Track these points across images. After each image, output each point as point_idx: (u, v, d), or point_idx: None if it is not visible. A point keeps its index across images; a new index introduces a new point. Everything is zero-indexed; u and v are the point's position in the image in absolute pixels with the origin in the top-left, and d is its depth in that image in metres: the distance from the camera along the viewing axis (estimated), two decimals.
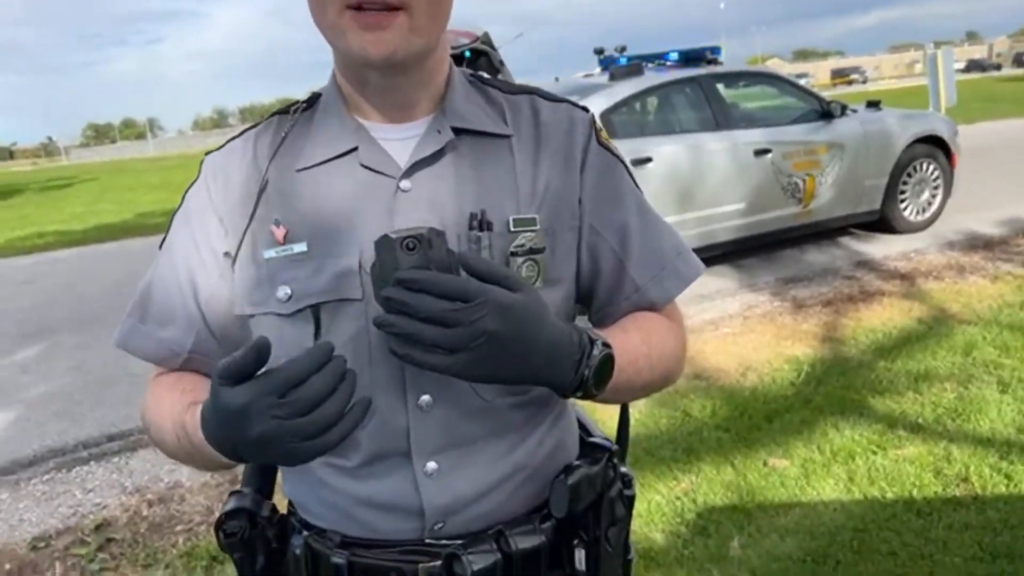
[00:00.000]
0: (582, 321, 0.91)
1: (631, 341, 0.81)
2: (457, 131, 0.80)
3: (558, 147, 0.83)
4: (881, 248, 5.61)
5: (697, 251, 0.92)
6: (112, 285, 6.99)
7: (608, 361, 0.74)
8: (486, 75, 0.91)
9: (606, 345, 0.74)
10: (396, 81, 0.79)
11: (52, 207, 16.94)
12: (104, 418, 3.75)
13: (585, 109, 0.89)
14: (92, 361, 4.69)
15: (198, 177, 0.85)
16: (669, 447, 2.87)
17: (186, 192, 0.85)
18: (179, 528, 2.67)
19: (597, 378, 0.73)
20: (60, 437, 3.58)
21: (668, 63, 5.57)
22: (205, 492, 2.89)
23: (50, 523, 2.80)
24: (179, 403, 0.78)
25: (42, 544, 2.66)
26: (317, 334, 0.77)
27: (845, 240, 5.95)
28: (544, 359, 0.69)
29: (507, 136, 0.83)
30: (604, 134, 0.88)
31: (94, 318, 5.75)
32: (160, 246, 0.85)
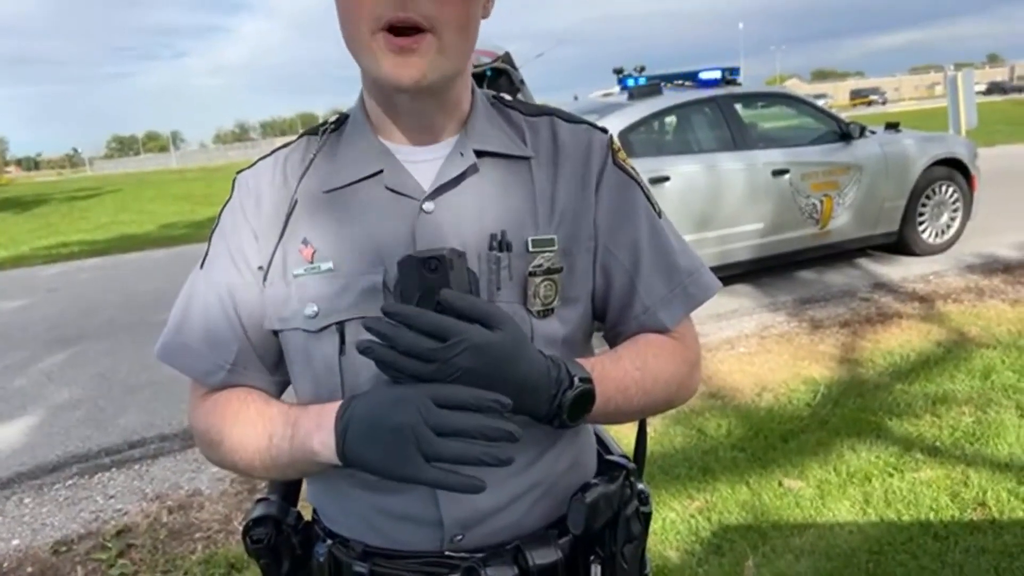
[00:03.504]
0: (600, 340, 0.94)
1: (622, 368, 0.83)
2: (479, 153, 0.83)
3: (576, 168, 0.86)
4: (900, 270, 5.59)
5: (714, 270, 0.94)
6: (135, 294, 7.11)
7: (586, 396, 0.76)
8: (507, 96, 0.95)
9: (585, 380, 0.76)
10: (423, 105, 0.82)
11: (77, 217, 17.22)
12: (127, 425, 3.81)
13: (604, 130, 0.91)
14: (116, 369, 4.77)
15: (231, 195, 0.88)
16: (684, 465, 2.87)
17: (221, 210, 0.89)
18: (198, 535, 2.71)
19: (572, 412, 0.76)
20: (83, 443, 3.64)
21: (687, 83, 5.60)
22: (224, 500, 2.93)
23: (72, 528, 2.85)
24: (276, 409, 0.81)
25: (64, 549, 2.71)
26: (342, 350, 0.79)
27: (863, 261, 5.93)
28: (519, 393, 0.71)
29: (527, 158, 0.85)
30: (622, 154, 0.90)
31: (118, 326, 5.84)
32: (201, 265, 0.88)
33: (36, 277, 8.94)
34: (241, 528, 0.94)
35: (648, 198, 0.91)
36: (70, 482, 3.23)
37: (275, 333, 0.84)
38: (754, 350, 4.11)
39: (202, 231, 11.88)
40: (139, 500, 3.01)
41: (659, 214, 0.91)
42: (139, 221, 14.79)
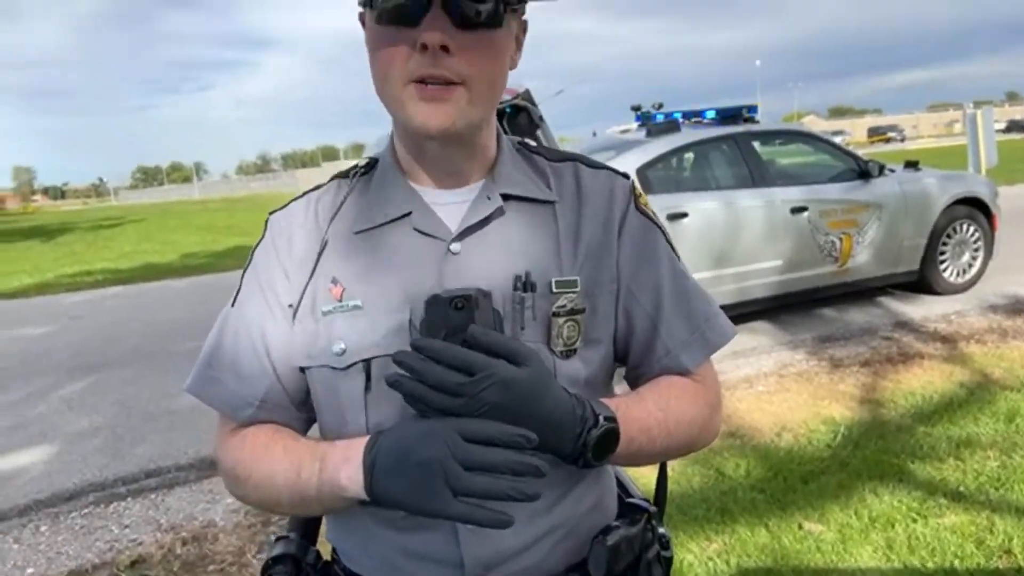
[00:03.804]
0: (619, 379, 0.95)
1: (646, 409, 0.83)
2: (505, 197, 0.86)
3: (598, 212, 0.88)
4: (921, 309, 5.53)
5: (733, 307, 0.95)
6: (157, 323, 7.18)
7: (610, 435, 0.77)
8: (532, 143, 0.97)
9: (610, 420, 0.77)
10: (451, 151, 0.84)
11: (101, 246, 17.51)
12: (144, 455, 3.83)
13: (626, 176, 0.93)
14: (135, 397, 4.80)
15: (264, 235, 0.91)
16: (702, 506, 2.83)
17: (253, 250, 0.91)
18: (211, 568, 2.70)
19: (597, 451, 0.76)
20: (100, 472, 3.66)
21: (705, 120, 5.65)
22: (238, 532, 2.92)
23: (87, 557, 2.85)
24: (303, 445, 0.82)
25: None
26: (368, 387, 0.81)
27: (884, 300, 5.88)
28: (544, 430, 0.72)
29: (551, 202, 0.88)
30: (644, 200, 0.93)
31: (139, 355, 5.90)
32: (232, 303, 0.89)
33: (60, 304, 9.08)
34: (260, 566, 0.94)
35: (669, 243, 0.92)
36: (86, 511, 3.24)
37: (302, 370, 0.85)
38: (773, 389, 4.07)
39: (223, 261, 12.03)
40: (154, 531, 3.01)
41: (678, 258, 0.93)
42: (162, 251, 15.01)
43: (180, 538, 2.91)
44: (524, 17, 0.85)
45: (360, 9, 0.82)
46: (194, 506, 3.19)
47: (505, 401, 0.69)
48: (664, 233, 0.92)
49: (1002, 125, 55.01)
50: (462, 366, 0.69)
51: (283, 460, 0.81)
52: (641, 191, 0.94)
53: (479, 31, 0.76)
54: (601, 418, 0.76)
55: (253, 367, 0.86)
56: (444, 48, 0.74)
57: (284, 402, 0.87)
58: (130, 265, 12.75)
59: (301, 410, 0.89)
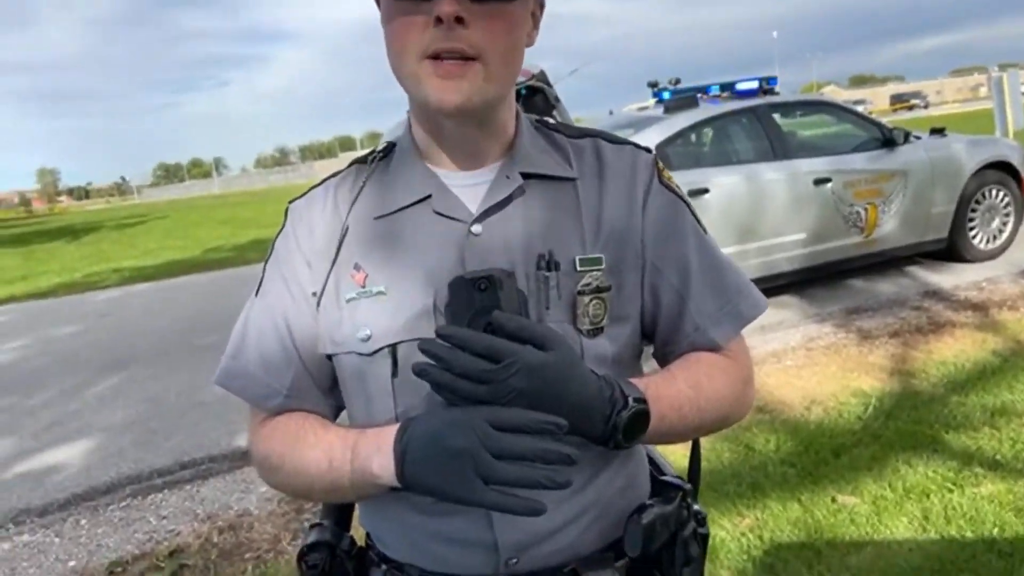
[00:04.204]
0: (647, 357, 0.93)
1: (676, 387, 0.82)
2: (525, 176, 0.84)
3: (621, 188, 0.86)
4: (951, 277, 5.43)
5: (758, 282, 0.93)
6: (182, 318, 7.28)
7: (640, 416, 0.76)
8: (551, 120, 0.96)
9: (640, 400, 0.76)
10: (469, 130, 0.83)
11: (127, 244, 17.76)
12: (177, 447, 3.89)
13: (648, 150, 0.91)
14: (166, 391, 4.88)
15: (284, 224, 0.90)
16: (733, 482, 2.82)
17: (274, 240, 0.91)
18: (248, 555, 2.74)
19: (628, 433, 0.75)
20: (136, 465, 3.72)
21: (723, 94, 5.56)
22: (272, 520, 2.96)
23: (126, 549, 2.91)
24: (334, 434, 0.82)
25: (119, 569, 2.76)
26: (395, 372, 0.80)
27: (913, 269, 5.78)
28: (573, 414, 0.71)
29: (572, 179, 0.86)
30: (667, 174, 0.91)
31: (166, 350, 5.98)
32: (256, 293, 0.89)
33: (88, 302, 9.23)
34: (296, 554, 0.95)
35: (695, 216, 0.90)
36: (124, 503, 3.31)
37: (329, 357, 0.85)
38: (801, 363, 4.03)
39: (246, 254, 12.14)
40: (191, 520, 3.07)
41: (704, 232, 0.91)
42: (185, 246, 15.19)
43: (216, 527, 2.96)
44: None
45: None
46: (229, 496, 3.24)
47: (532, 387, 0.69)
48: (689, 206, 0.90)
49: None
50: (488, 353, 0.68)
51: (314, 449, 0.81)
52: (664, 165, 0.92)
53: (494, 3, 0.75)
54: (630, 399, 0.75)
55: (279, 356, 0.86)
56: (459, 20, 0.73)
57: (312, 390, 0.87)
58: (155, 262, 12.92)
59: (329, 397, 0.89)
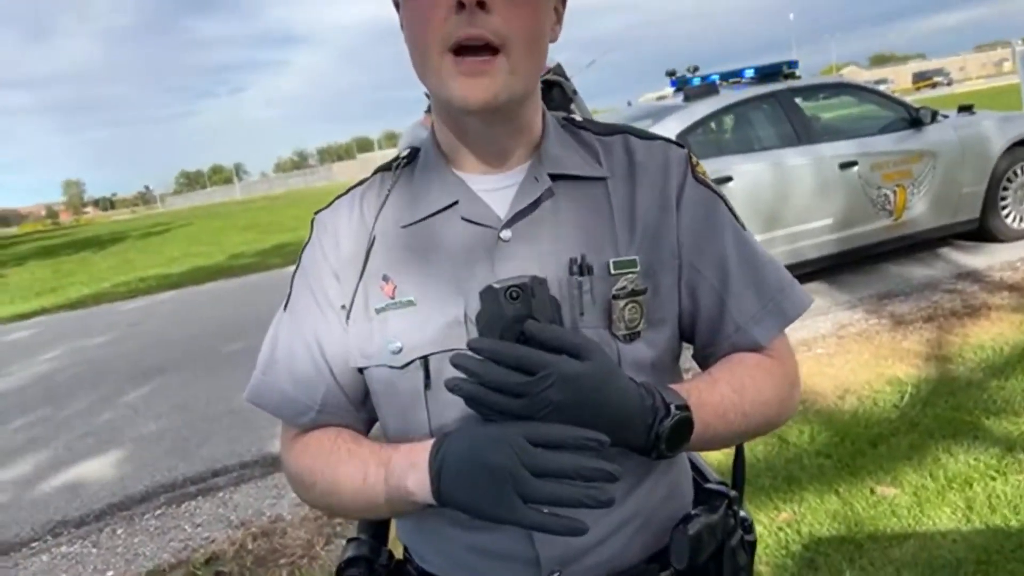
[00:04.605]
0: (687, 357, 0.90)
1: (719, 392, 0.79)
2: (554, 177, 0.82)
3: (654, 186, 0.83)
4: (984, 258, 5.31)
5: (786, 268, 0.90)
6: (209, 325, 7.35)
7: (684, 424, 0.73)
8: (577, 117, 0.93)
9: (682, 408, 0.73)
10: (495, 129, 0.81)
11: (153, 252, 18.00)
12: (210, 454, 3.92)
13: (680, 145, 0.88)
14: (196, 399, 4.92)
15: (311, 236, 0.89)
16: (768, 475, 2.77)
17: (301, 252, 0.89)
18: (282, 561, 2.75)
19: (671, 442, 0.72)
20: (169, 473, 3.76)
21: (744, 80, 5.48)
22: (305, 526, 2.97)
23: (163, 557, 2.93)
24: (368, 449, 0.80)
25: None
26: (427, 384, 0.78)
27: (945, 251, 5.66)
28: (613, 425, 0.68)
29: (603, 178, 0.83)
30: (701, 168, 0.88)
31: (195, 357, 6.04)
32: (284, 307, 0.88)
33: (117, 312, 9.36)
34: (328, 558, 0.93)
35: (732, 212, 0.87)
36: (159, 512, 3.34)
37: (360, 370, 0.84)
38: (833, 351, 3.96)
39: (269, 259, 12.24)
40: (225, 527, 3.09)
41: (743, 227, 0.87)
42: (209, 253, 15.35)
43: (251, 534, 2.98)
44: None
45: None
46: (261, 502, 3.26)
47: (569, 399, 0.66)
48: (726, 202, 0.87)
49: None
50: (522, 365, 0.66)
51: (347, 466, 0.80)
52: (697, 160, 0.89)
53: None
54: (672, 407, 0.73)
55: (310, 371, 0.84)
56: (481, 5, 0.71)
57: (344, 404, 0.85)
58: (180, 269, 13.07)
59: (361, 411, 0.87)
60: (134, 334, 7.67)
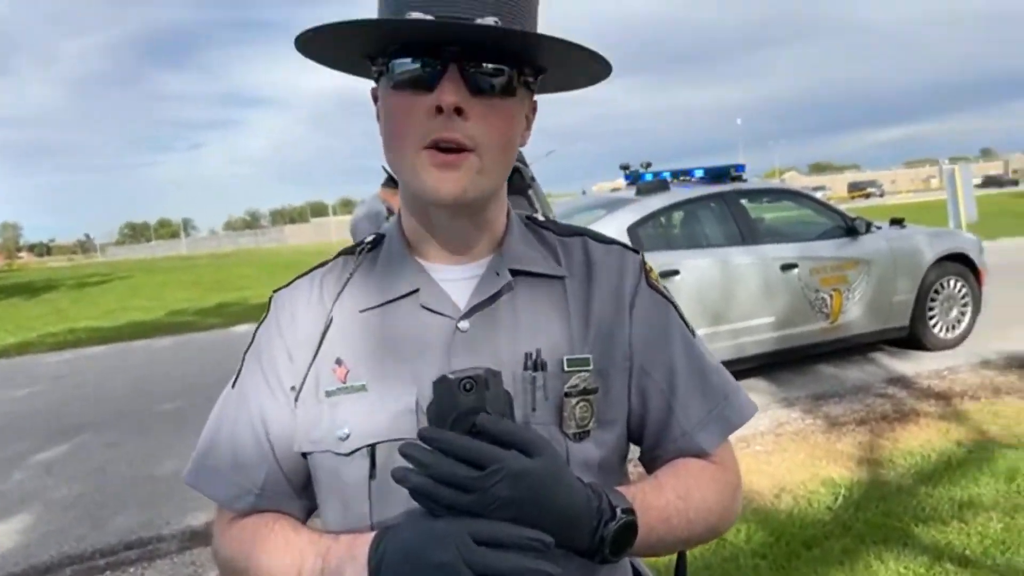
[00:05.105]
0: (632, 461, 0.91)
1: (665, 497, 0.80)
2: (514, 272, 0.84)
3: (609, 288, 0.86)
4: (913, 365, 5.53)
5: (727, 364, 0.93)
6: (140, 383, 7.05)
7: (629, 528, 0.73)
8: (540, 217, 0.96)
9: (628, 511, 0.73)
10: (461, 222, 0.83)
11: (87, 303, 17.33)
12: (124, 525, 3.69)
13: (635, 251, 0.92)
14: (117, 462, 4.67)
15: (267, 314, 0.88)
16: (705, 574, 2.75)
17: (256, 329, 0.88)
18: None
19: (615, 546, 0.72)
20: (79, 544, 3.52)
21: (693, 179, 5.72)
22: None
23: None
24: (305, 538, 0.78)
25: None
26: (372, 474, 0.77)
27: (877, 356, 5.88)
28: (559, 525, 0.68)
29: (561, 277, 0.86)
30: (654, 274, 0.91)
31: (121, 416, 5.76)
32: (233, 384, 0.86)
33: (42, 364, 8.92)
34: None
35: (682, 318, 0.90)
36: None
37: (304, 455, 0.82)
38: (770, 448, 4.02)
39: (210, 319, 11.92)
40: None
41: (692, 333, 0.90)
42: (148, 307, 14.87)
43: None
44: (535, 98, 0.85)
45: (373, 84, 0.82)
46: None
47: (517, 496, 0.66)
48: (676, 308, 0.90)
49: (979, 180, 56.34)
50: (471, 458, 0.65)
51: (283, 555, 0.77)
52: (652, 266, 0.92)
53: (493, 98, 0.76)
54: (618, 510, 0.73)
55: (252, 453, 0.82)
56: (458, 111, 0.74)
57: (285, 489, 0.83)
58: (115, 323, 12.59)
59: (302, 497, 0.85)
60: (57, 388, 7.30)
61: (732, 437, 0.90)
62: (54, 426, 5.67)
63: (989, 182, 60.85)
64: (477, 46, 0.74)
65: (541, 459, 0.68)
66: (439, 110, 0.74)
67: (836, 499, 3.31)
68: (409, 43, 0.76)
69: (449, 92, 0.73)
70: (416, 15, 0.72)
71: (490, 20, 0.73)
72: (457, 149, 0.75)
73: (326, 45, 0.79)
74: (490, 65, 0.75)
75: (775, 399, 4.96)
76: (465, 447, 0.65)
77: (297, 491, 0.84)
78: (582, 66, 0.81)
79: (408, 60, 0.76)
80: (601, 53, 0.77)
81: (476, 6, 0.73)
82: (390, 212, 4.76)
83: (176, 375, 7.02)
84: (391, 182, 4.44)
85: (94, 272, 35.29)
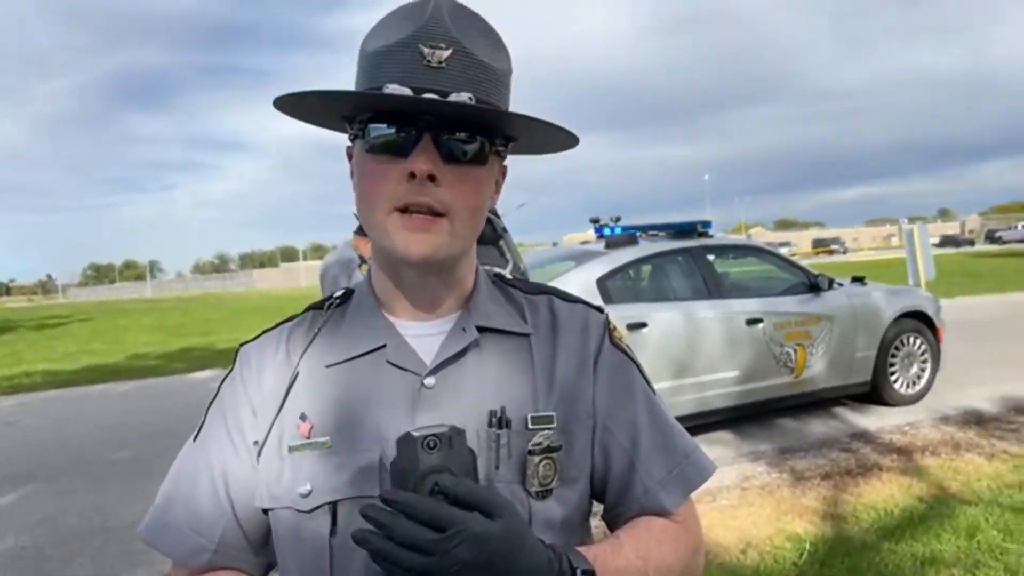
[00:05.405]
0: (595, 519, 0.91)
1: (625, 557, 0.80)
2: (481, 329, 0.85)
3: (574, 347, 0.88)
4: (875, 420, 5.61)
5: (692, 417, 0.95)
6: (97, 429, 6.84)
7: None
8: (508, 275, 0.98)
9: (589, 573, 0.74)
10: (430, 280, 0.84)
11: (44, 345, 16.88)
12: None
13: (600, 309, 0.94)
14: (67, 513, 4.49)
15: (232, 368, 0.88)
16: None
17: (221, 383, 0.88)
18: None
19: None
20: None
21: (662, 234, 5.83)
22: None
23: None
24: None
25: None
26: (333, 531, 0.77)
27: (840, 410, 5.95)
28: None
29: (527, 335, 0.87)
30: (618, 333, 0.93)
31: (75, 464, 5.57)
32: (194, 438, 0.86)
33: None
34: None
35: (644, 377, 0.92)
36: None
37: (265, 511, 0.81)
38: (736, 503, 4.02)
39: (173, 363, 11.67)
40: None
41: (654, 392, 0.92)
42: (108, 351, 14.52)
43: None
44: (505, 163, 0.88)
45: (348, 144, 0.84)
46: None
47: (478, 559, 0.66)
48: (639, 367, 0.92)
49: (936, 240, 58.11)
50: (432, 521, 0.65)
51: None
52: (615, 325, 0.94)
53: (465, 166, 0.78)
54: (579, 572, 0.73)
55: (211, 508, 0.81)
56: (431, 178, 0.76)
57: (242, 546, 0.82)
58: (73, 366, 12.26)
59: (260, 554, 0.84)
60: (8, 434, 7.04)
61: (698, 491, 0.91)
62: (2, 473, 5.46)
63: (946, 242, 62.78)
64: (451, 117, 0.77)
65: (503, 521, 0.68)
66: (412, 175, 0.76)
67: (801, 555, 3.31)
68: (385, 110, 0.78)
69: (423, 160, 0.76)
70: (394, 87, 0.75)
71: (465, 95, 0.76)
72: (429, 212, 0.77)
73: (303, 106, 0.81)
74: (463, 134, 0.78)
75: (740, 453, 4.98)
76: (426, 509, 0.65)
77: (255, 548, 0.83)
78: (550, 138, 0.85)
79: (383, 126, 0.78)
80: (568, 128, 0.80)
81: (451, 81, 0.76)
82: (362, 259, 4.77)
83: (134, 422, 6.83)
84: (362, 230, 4.46)
85: (54, 314, 34.46)
